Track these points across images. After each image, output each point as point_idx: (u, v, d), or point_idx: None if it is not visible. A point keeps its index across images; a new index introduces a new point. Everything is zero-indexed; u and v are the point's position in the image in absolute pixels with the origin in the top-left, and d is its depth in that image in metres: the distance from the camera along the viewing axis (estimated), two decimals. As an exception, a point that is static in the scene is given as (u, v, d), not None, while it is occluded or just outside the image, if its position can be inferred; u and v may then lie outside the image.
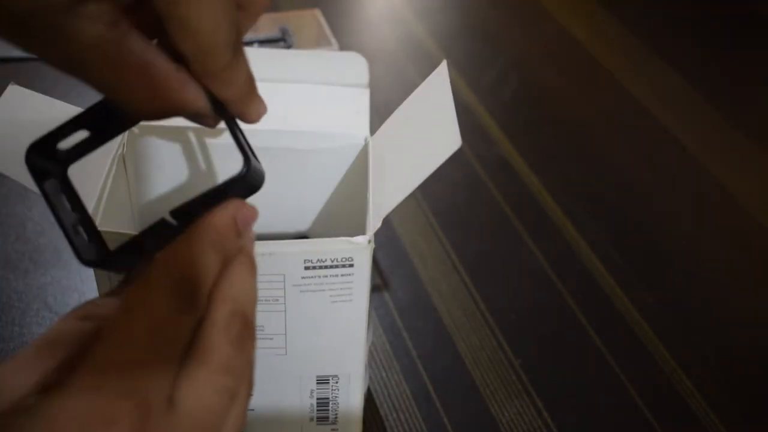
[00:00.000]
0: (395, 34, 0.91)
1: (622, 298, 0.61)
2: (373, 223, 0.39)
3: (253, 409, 0.45)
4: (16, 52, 0.84)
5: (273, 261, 0.38)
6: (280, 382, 0.44)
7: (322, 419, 0.46)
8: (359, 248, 0.39)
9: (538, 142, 0.75)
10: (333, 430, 0.46)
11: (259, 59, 0.50)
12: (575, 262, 0.64)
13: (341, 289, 0.40)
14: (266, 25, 0.72)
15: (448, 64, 0.43)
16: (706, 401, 0.54)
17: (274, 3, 0.94)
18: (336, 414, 0.46)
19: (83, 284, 0.60)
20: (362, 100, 0.48)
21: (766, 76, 0.88)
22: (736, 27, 0.95)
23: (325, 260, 0.39)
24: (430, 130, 0.40)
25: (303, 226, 0.49)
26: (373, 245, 0.39)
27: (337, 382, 0.44)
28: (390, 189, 0.40)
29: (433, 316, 0.59)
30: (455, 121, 0.37)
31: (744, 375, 0.56)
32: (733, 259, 0.65)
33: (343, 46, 0.86)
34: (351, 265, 0.39)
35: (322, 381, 0.44)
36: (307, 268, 0.39)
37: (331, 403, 0.45)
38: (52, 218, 0.70)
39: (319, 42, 0.70)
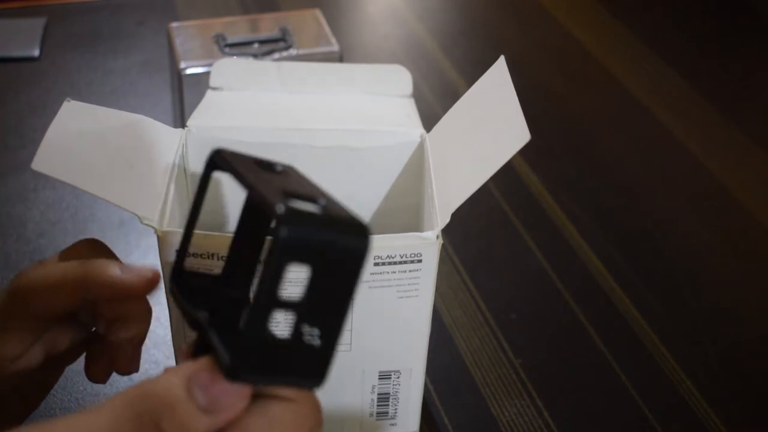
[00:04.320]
0: (395, 33, 0.91)
1: (622, 298, 0.61)
2: (442, 218, 0.39)
3: None
4: (17, 52, 0.84)
5: None
6: (342, 379, 0.44)
7: (382, 414, 0.46)
8: (428, 243, 0.39)
9: (538, 141, 0.74)
10: (392, 425, 0.47)
11: (306, 72, 0.51)
12: (575, 262, 0.64)
13: (408, 284, 0.40)
14: (266, 25, 0.72)
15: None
16: (707, 401, 0.54)
17: (274, 3, 0.94)
18: (396, 409, 0.46)
19: (83, 284, 0.60)
20: (410, 106, 0.50)
21: (764, 74, 0.88)
22: (735, 26, 0.95)
23: (395, 256, 0.39)
24: (494, 124, 0.40)
25: None
26: (441, 241, 0.39)
27: (398, 377, 0.44)
28: (456, 184, 0.40)
29: (433, 316, 0.59)
30: (521, 114, 0.38)
31: (745, 375, 0.56)
32: (732, 257, 0.65)
33: (343, 46, 0.86)
34: (419, 261, 0.40)
35: (384, 376, 0.44)
36: (376, 264, 0.39)
37: (391, 398, 0.45)
38: (52, 218, 0.71)
39: (319, 42, 0.70)
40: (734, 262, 0.65)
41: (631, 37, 0.91)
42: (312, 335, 0.28)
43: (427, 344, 0.44)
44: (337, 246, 0.27)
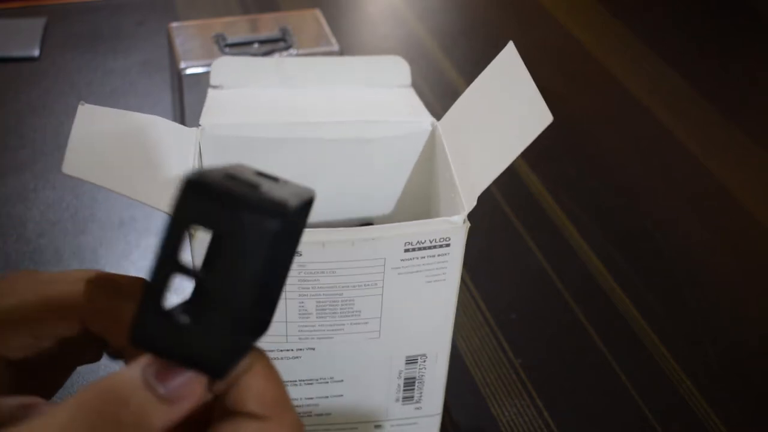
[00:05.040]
0: (395, 33, 0.91)
1: (622, 298, 0.61)
2: (467, 202, 0.40)
3: (342, 395, 0.45)
4: (17, 52, 0.84)
5: (375, 246, 0.39)
6: (370, 366, 0.44)
7: (408, 399, 0.46)
8: (456, 228, 0.40)
9: (538, 141, 0.75)
10: (417, 408, 0.47)
11: (306, 67, 0.51)
12: (575, 262, 0.64)
13: (437, 269, 0.41)
14: (266, 25, 0.72)
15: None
16: (707, 401, 0.54)
17: (274, 3, 0.94)
18: (421, 393, 0.46)
19: (83, 284, 0.60)
20: (412, 95, 0.50)
21: (764, 74, 0.88)
22: (735, 26, 0.95)
23: (424, 242, 0.40)
24: (512, 107, 0.40)
25: (369, 213, 0.50)
26: (468, 224, 0.40)
27: (425, 361, 0.45)
28: (478, 168, 0.40)
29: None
30: (539, 95, 0.38)
31: (745, 375, 0.56)
32: (732, 257, 0.65)
33: (343, 46, 0.86)
34: (447, 245, 0.40)
35: (410, 361, 0.45)
36: (407, 250, 0.40)
37: (417, 382, 0.46)
38: (52, 218, 0.71)
39: (319, 42, 0.70)
40: (734, 262, 0.65)
41: (631, 37, 0.91)
42: (214, 313, 0.26)
43: (453, 327, 0.44)
44: (241, 218, 0.25)
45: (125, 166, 0.39)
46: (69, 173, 0.36)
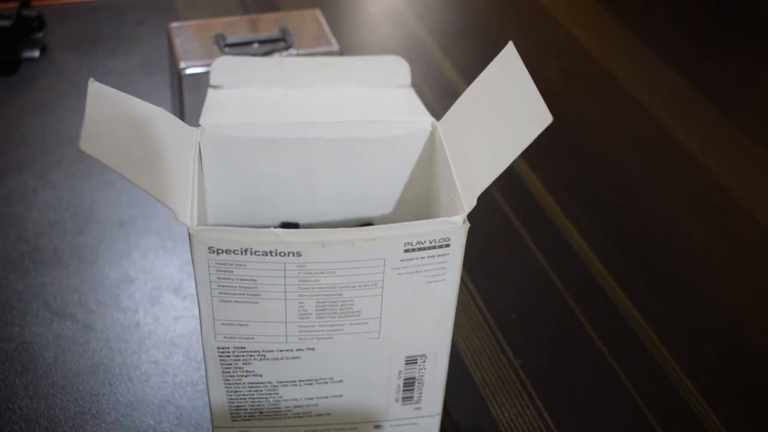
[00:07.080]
0: (395, 33, 0.91)
1: (622, 298, 0.61)
2: (467, 202, 0.40)
3: (341, 395, 0.45)
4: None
5: (375, 246, 0.39)
6: (370, 366, 0.44)
7: (407, 399, 0.47)
8: (456, 228, 0.40)
9: (538, 141, 0.75)
10: (416, 409, 0.47)
11: (305, 67, 0.51)
12: (575, 262, 0.64)
13: (437, 269, 0.41)
14: (266, 25, 0.72)
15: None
16: (707, 401, 0.54)
17: (274, 3, 0.94)
18: (421, 393, 0.46)
19: (83, 284, 0.60)
20: (412, 96, 0.50)
21: (764, 74, 0.88)
22: (735, 26, 0.95)
23: (424, 242, 0.40)
24: (511, 107, 0.40)
25: (369, 213, 0.50)
26: (468, 225, 0.40)
27: (424, 362, 0.45)
28: (478, 169, 0.40)
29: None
30: (539, 96, 0.38)
31: (745, 375, 0.56)
32: (732, 257, 0.65)
33: (343, 46, 0.86)
34: (447, 246, 0.40)
35: (410, 361, 0.45)
36: (407, 250, 0.40)
37: (416, 382, 0.46)
38: (52, 218, 0.71)
39: (319, 42, 0.70)
40: (734, 262, 0.65)
41: (631, 37, 0.91)
42: None
43: (452, 327, 0.44)
44: None
45: (137, 154, 0.39)
46: (86, 151, 0.36)
